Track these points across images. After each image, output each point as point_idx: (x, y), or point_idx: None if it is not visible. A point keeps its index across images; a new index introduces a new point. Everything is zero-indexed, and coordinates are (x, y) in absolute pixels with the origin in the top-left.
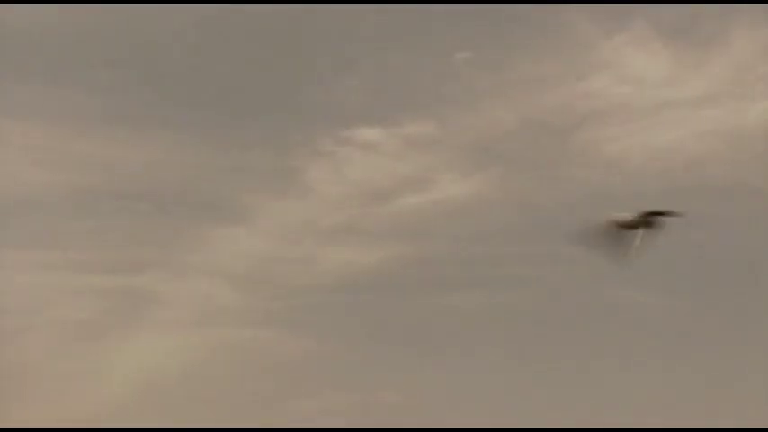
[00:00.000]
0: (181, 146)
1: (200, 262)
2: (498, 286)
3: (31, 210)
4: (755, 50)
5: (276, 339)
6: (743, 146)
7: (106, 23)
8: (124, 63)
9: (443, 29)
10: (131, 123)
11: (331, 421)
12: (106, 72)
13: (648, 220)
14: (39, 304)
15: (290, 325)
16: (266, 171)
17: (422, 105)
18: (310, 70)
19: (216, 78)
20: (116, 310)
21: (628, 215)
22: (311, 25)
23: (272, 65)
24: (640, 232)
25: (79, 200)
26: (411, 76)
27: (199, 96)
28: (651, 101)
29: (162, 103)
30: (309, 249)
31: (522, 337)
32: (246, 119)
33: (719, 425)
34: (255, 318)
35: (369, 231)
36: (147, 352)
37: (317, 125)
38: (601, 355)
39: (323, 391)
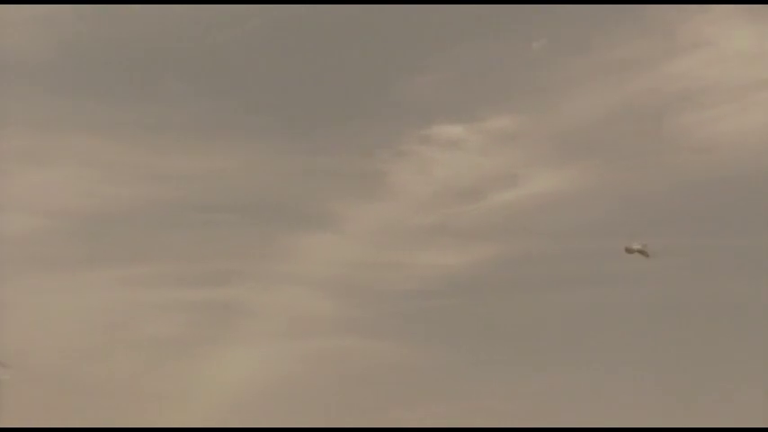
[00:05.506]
0: (262, 154)
1: (288, 271)
2: (600, 283)
3: (114, 225)
4: None
5: (370, 347)
6: None
7: (180, 34)
8: (202, 73)
9: (517, 18)
10: (212, 134)
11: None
12: (184, 84)
13: None
14: (127, 320)
15: (383, 332)
16: (351, 175)
17: (503, 98)
18: (386, 71)
19: (293, 85)
20: (205, 323)
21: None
22: (384, 25)
23: (348, 68)
24: None
25: (163, 213)
26: (489, 70)
27: (277, 104)
28: (745, 79)
29: (241, 112)
30: (400, 253)
31: (630, 334)
32: (327, 124)
33: None
34: (348, 326)
35: (460, 231)
36: (239, 365)
37: (398, 126)
38: (719, 354)
39: (423, 400)
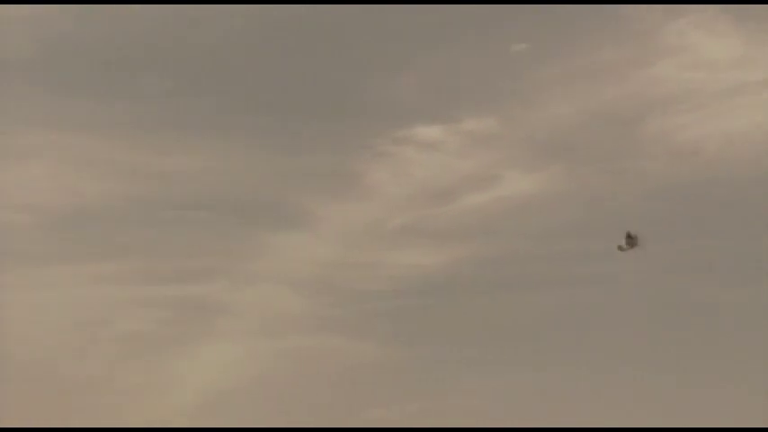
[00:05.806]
0: (238, 152)
1: (262, 269)
2: (570, 285)
3: (90, 222)
4: None
5: (344, 346)
6: None
7: (159, 31)
8: (179, 70)
9: (496, 21)
10: (187, 131)
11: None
12: (161, 80)
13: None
14: (101, 317)
15: (357, 331)
16: (326, 174)
17: (481, 101)
18: (365, 71)
19: (271, 83)
20: (179, 321)
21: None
22: (364, 26)
23: (326, 69)
24: None
25: (138, 210)
26: (467, 72)
27: (255, 102)
28: (723, 85)
29: (218, 109)
30: (374, 253)
31: (597, 336)
32: (303, 123)
33: None
34: (322, 324)
35: (434, 232)
36: (213, 363)
37: (375, 126)
38: (684, 353)
39: (398, 399)
